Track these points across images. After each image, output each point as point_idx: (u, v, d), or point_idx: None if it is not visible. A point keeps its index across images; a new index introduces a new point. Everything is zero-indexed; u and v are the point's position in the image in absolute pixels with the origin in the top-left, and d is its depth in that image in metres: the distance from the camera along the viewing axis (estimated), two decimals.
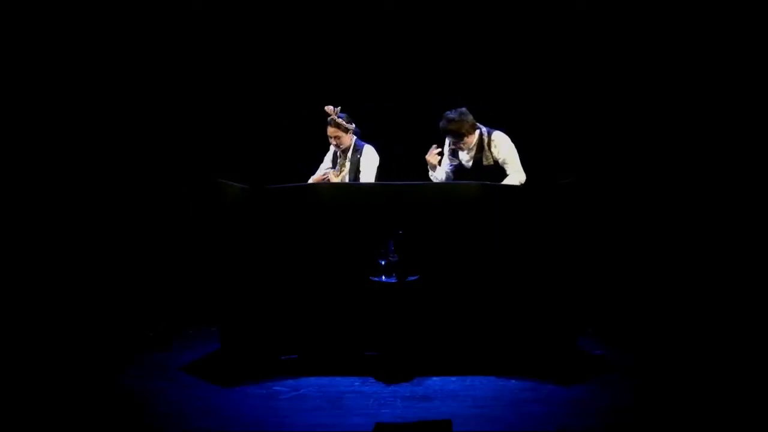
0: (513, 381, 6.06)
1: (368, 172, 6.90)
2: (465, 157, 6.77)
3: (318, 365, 6.24)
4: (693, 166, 8.16)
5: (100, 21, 8.20)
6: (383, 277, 6.11)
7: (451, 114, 6.59)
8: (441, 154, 6.74)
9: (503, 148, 6.68)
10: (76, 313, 7.74)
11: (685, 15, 8.00)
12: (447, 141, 6.78)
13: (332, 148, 7.02)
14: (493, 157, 6.67)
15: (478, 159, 6.71)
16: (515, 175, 6.66)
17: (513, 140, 6.79)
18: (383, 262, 6.11)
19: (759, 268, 7.86)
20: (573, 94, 8.25)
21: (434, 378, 6.12)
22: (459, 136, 6.59)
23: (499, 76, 8.25)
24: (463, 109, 6.63)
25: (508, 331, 6.22)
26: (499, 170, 6.68)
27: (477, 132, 6.66)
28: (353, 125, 6.94)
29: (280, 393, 5.92)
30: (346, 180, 6.96)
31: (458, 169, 6.81)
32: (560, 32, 8.17)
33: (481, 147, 6.70)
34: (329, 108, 6.87)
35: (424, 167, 6.91)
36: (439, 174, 6.80)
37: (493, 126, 6.76)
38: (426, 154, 6.69)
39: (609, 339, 6.96)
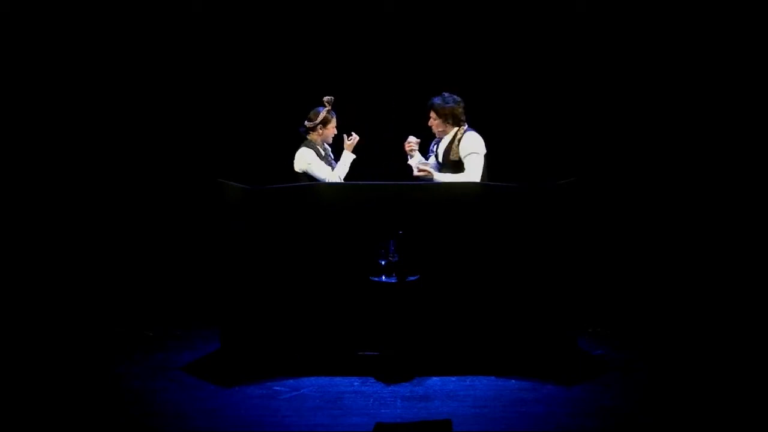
0: (513, 381, 6.04)
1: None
2: (441, 149, 6.77)
3: (318, 365, 6.20)
4: (690, 166, 8.14)
5: (100, 25, 8.20)
6: (383, 277, 6.09)
7: (445, 95, 6.66)
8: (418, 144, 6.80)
9: (467, 145, 6.60)
10: (76, 313, 7.71)
11: (684, 16, 8.00)
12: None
13: (323, 146, 6.91)
14: (458, 153, 6.63)
15: (446, 152, 6.70)
16: (466, 175, 6.54)
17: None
18: (383, 262, 6.09)
19: (757, 268, 7.84)
20: (572, 95, 8.22)
21: (434, 378, 6.08)
22: (430, 113, 6.65)
23: (499, 76, 8.24)
24: (458, 98, 6.67)
25: (508, 331, 6.18)
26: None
27: (455, 127, 6.66)
28: None
29: (280, 393, 5.90)
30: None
31: (438, 161, 6.84)
32: (560, 34, 8.16)
33: (453, 141, 6.69)
34: (329, 98, 6.87)
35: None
36: (412, 161, 6.79)
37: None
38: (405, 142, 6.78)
39: (609, 339, 6.95)
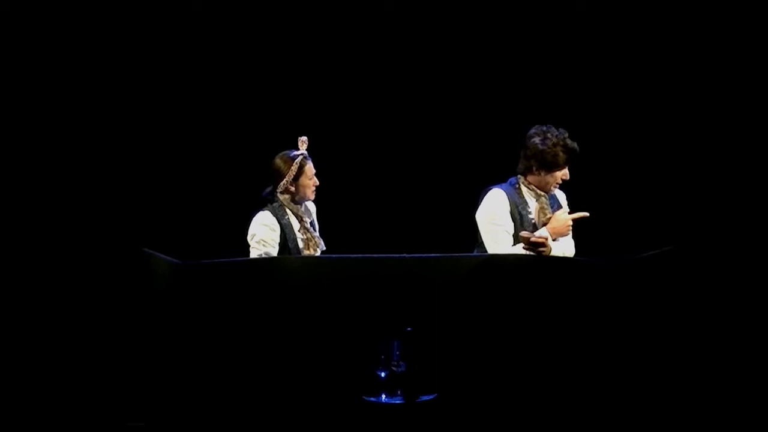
0: None
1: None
2: (546, 209, 5.40)
3: None
4: (691, 167, 8.02)
5: None
6: (383, 397, 5.07)
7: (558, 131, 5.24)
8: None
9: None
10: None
11: (688, 17, 7.85)
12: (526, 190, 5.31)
13: (300, 209, 5.65)
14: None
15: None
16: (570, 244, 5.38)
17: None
18: (384, 374, 5.06)
19: (757, 269, 7.83)
20: (574, 96, 7.95)
21: None
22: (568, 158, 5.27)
23: (498, 77, 7.94)
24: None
25: None
26: None
27: None
28: None
29: None
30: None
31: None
32: (559, 34, 7.99)
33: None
34: (304, 139, 5.69)
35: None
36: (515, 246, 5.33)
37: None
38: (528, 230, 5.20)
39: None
